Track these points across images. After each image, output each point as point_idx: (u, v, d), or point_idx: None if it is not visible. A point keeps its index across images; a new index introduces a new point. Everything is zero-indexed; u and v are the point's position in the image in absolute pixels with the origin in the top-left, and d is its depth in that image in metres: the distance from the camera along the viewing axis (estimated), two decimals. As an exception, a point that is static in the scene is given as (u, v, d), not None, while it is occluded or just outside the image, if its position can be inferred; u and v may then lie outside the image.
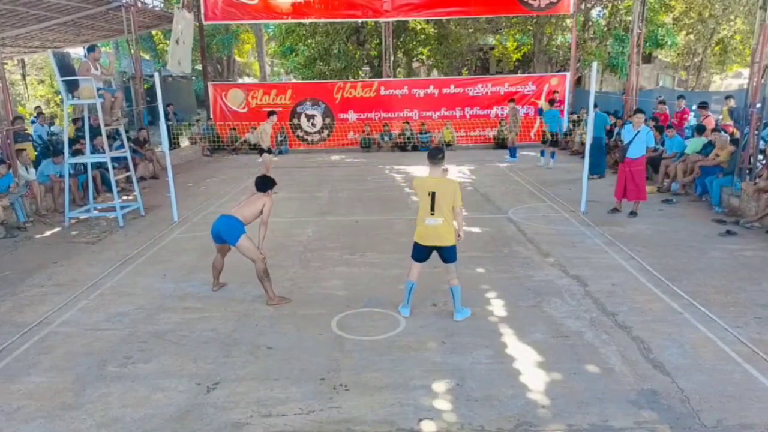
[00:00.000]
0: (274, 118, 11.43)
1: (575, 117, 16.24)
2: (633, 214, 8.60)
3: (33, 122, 14.65)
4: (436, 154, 4.95)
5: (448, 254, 5.04)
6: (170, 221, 8.89)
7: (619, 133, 13.00)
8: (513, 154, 14.75)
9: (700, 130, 10.30)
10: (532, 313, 5.27)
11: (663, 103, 13.26)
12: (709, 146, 9.96)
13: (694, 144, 10.39)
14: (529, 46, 25.25)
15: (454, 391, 3.98)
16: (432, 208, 4.88)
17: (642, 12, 14.83)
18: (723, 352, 4.47)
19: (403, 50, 23.55)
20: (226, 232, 5.57)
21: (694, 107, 13.27)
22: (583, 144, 12.19)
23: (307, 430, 3.60)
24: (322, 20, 18.96)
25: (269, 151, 11.29)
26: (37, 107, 17.57)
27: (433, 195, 4.87)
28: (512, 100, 15.25)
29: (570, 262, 6.60)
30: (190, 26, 16.05)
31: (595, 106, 13.83)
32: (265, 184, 5.78)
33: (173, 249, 7.59)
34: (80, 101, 8.78)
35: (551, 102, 14.39)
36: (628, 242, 7.32)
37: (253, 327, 5.10)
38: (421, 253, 5.12)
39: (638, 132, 8.35)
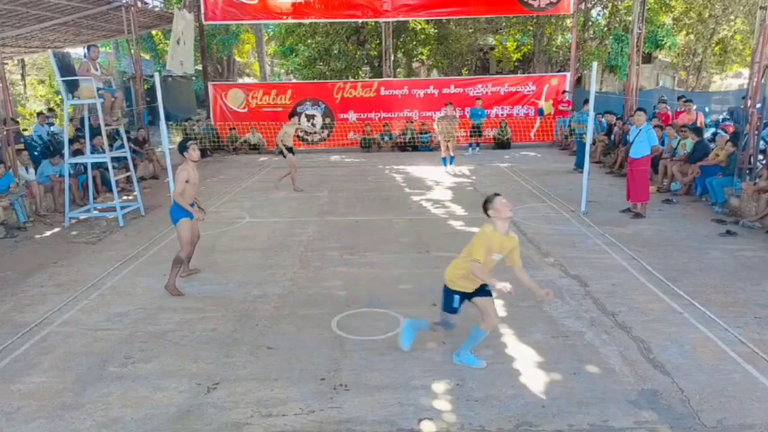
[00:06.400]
0: (296, 120, 11.52)
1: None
2: (637, 215, 8.54)
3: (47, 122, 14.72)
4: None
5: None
6: (170, 221, 8.87)
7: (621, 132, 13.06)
8: (448, 161, 13.27)
9: (697, 131, 10.30)
10: (532, 313, 5.27)
11: (663, 102, 13.25)
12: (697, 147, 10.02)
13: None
14: (529, 46, 25.24)
15: (454, 391, 3.98)
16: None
17: (642, 12, 14.82)
18: (723, 352, 4.47)
19: (403, 50, 23.54)
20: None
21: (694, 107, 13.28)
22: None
23: (307, 430, 3.60)
24: (322, 20, 18.96)
25: (291, 152, 11.29)
26: (43, 112, 17.39)
27: None
28: (449, 104, 13.61)
29: (570, 262, 6.60)
30: (191, 26, 16.04)
31: (586, 102, 13.97)
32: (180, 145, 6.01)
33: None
34: (80, 101, 8.79)
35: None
36: (629, 242, 7.32)
37: (253, 327, 5.10)
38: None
39: (640, 131, 8.34)
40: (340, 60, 22.02)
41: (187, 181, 5.81)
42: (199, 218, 6.07)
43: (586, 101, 13.94)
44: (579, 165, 12.91)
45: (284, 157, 11.33)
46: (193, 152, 5.92)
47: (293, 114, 11.47)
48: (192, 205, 5.97)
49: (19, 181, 9.13)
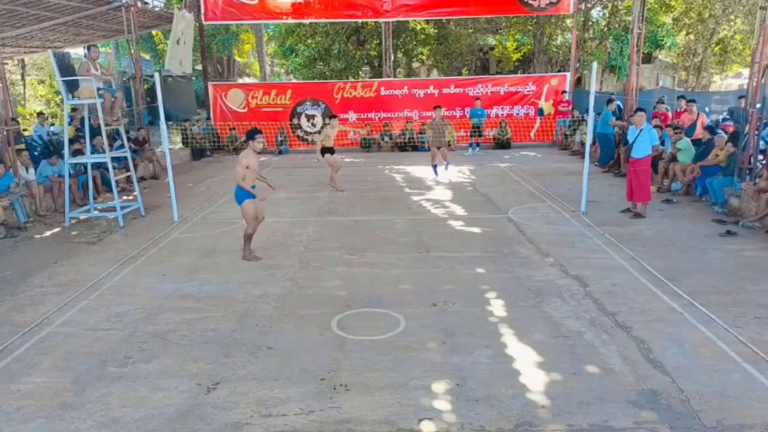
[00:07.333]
0: (335, 122, 11.70)
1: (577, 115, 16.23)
2: (637, 215, 8.54)
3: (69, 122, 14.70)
4: None
5: None
6: (170, 221, 8.90)
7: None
8: (439, 168, 12.20)
9: (710, 129, 10.29)
10: (532, 313, 5.27)
11: (662, 102, 13.24)
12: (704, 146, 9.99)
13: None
14: (529, 46, 25.25)
15: (454, 391, 3.98)
16: None
17: (642, 12, 14.80)
18: (723, 352, 4.47)
19: (403, 50, 23.54)
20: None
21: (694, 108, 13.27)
22: (583, 144, 12.20)
23: (307, 430, 3.60)
24: (322, 20, 18.96)
25: (332, 152, 11.34)
26: (43, 112, 17.38)
27: None
28: (438, 107, 12.18)
29: (570, 262, 6.60)
30: (191, 26, 16.05)
31: (610, 101, 13.70)
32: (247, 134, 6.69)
33: (173, 249, 7.59)
34: (80, 101, 8.79)
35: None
36: (628, 242, 7.31)
37: (253, 327, 5.10)
38: None
39: (641, 131, 8.33)
40: (340, 60, 22.02)
41: (247, 167, 6.47)
42: (261, 198, 6.72)
43: (610, 101, 13.81)
44: (603, 162, 13.09)
45: (322, 155, 11.30)
46: (258, 144, 6.59)
47: (333, 116, 11.68)
48: (253, 188, 6.63)
49: (19, 181, 9.13)
